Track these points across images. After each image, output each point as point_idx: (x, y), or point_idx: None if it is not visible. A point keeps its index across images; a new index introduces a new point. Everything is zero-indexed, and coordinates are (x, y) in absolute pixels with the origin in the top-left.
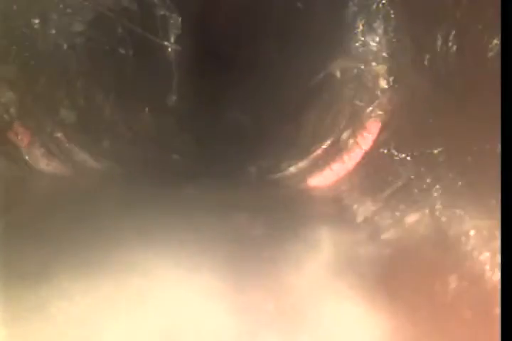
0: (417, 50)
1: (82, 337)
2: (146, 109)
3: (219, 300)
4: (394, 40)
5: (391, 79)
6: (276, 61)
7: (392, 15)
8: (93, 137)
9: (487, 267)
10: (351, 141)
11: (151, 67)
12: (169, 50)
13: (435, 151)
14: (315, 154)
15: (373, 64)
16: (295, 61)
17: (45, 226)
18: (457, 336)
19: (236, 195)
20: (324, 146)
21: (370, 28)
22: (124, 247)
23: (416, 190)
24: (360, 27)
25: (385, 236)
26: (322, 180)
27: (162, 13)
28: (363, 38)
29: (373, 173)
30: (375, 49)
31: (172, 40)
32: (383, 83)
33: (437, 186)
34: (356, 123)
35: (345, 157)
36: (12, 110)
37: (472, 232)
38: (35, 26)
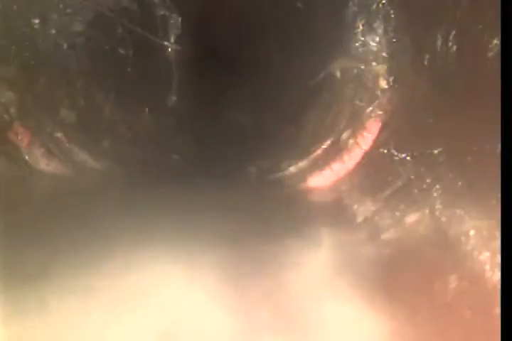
0: (417, 50)
1: (82, 337)
2: (146, 109)
3: (219, 300)
4: (394, 40)
5: (391, 79)
6: (277, 61)
7: (392, 15)
8: (93, 137)
9: (487, 267)
10: (351, 141)
11: (151, 67)
12: (169, 50)
13: (435, 151)
14: (315, 154)
15: (373, 64)
16: (295, 61)
17: (45, 226)
18: (457, 336)
19: (236, 195)
20: (324, 146)
21: (370, 28)
22: (124, 247)
23: (416, 190)
24: (360, 27)
25: (385, 236)
26: (322, 180)
27: (162, 13)
28: (363, 38)
29: (373, 173)
30: (375, 49)
31: (172, 40)
32: (383, 83)
33: (437, 186)
34: (356, 123)
35: (345, 157)
36: (12, 110)
37: (472, 232)
38: (35, 26)
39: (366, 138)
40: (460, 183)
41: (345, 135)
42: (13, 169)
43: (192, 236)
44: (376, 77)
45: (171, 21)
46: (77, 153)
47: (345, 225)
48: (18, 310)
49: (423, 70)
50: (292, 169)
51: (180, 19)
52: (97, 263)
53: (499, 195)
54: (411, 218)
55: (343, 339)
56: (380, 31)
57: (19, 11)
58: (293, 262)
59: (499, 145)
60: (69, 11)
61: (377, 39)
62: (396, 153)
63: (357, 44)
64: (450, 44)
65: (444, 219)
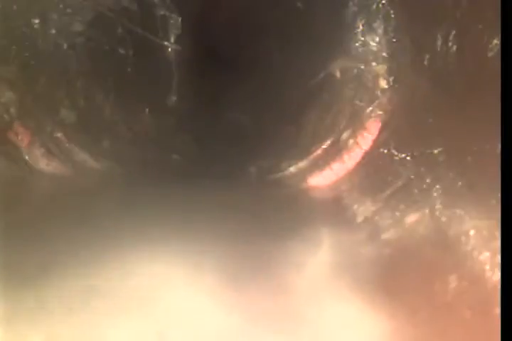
0: (416, 50)
1: (82, 337)
2: (146, 109)
3: (219, 300)
4: (394, 40)
5: (391, 79)
6: (276, 61)
7: (392, 15)
8: (93, 137)
9: (487, 267)
10: (351, 141)
11: (151, 67)
12: (169, 50)
13: (435, 151)
14: (315, 154)
15: (373, 64)
16: (295, 61)
17: (45, 226)
18: (457, 336)
19: (236, 195)
20: (324, 146)
21: (370, 28)
22: (124, 247)
23: (416, 190)
24: (360, 27)
25: (385, 236)
26: (322, 179)
27: (162, 13)
28: (363, 38)
29: (373, 173)
30: (375, 49)
31: (172, 40)
32: (383, 83)
33: (437, 186)
34: (356, 123)
35: (345, 157)
36: (12, 110)
37: (472, 232)
38: (35, 26)
39: (366, 138)
40: (460, 183)
41: (345, 135)
42: (13, 169)
43: (192, 236)
44: (376, 77)
45: (171, 21)
46: (77, 153)
47: (345, 225)
48: (18, 309)
49: (423, 70)
50: (292, 169)
51: (180, 19)
52: (97, 264)
53: (499, 195)
54: (411, 218)
55: (343, 339)
56: (380, 31)
57: (19, 11)
58: (293, 262)
59: (499, 145)
60: (69, 11)
61: (377, 39)
62: (396, 153)
63: (357, 44)
64: (450, 44)
65: (444, 219)
